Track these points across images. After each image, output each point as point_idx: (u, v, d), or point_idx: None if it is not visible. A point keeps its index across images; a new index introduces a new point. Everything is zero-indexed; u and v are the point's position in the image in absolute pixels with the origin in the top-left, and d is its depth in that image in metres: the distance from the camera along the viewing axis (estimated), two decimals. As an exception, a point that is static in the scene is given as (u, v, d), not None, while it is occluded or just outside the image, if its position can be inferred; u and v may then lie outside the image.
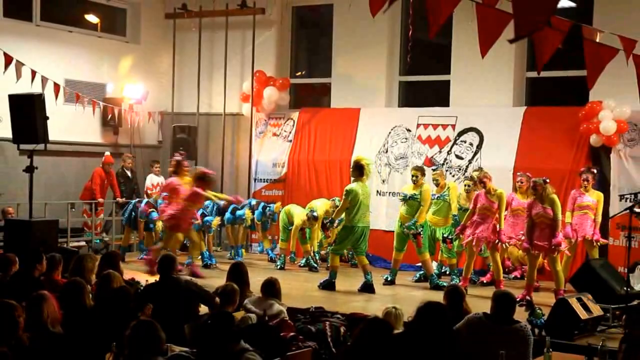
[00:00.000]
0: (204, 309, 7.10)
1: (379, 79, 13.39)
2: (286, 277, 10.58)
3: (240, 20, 14.36)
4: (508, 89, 12.19)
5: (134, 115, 14.40)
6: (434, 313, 5.19)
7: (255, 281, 7.72)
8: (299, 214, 12.01)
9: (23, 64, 11.35)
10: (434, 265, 10.87)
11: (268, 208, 12.58)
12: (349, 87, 13.66)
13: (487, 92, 12.24)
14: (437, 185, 10.95)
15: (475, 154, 11.96)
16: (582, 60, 5.47)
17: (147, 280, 8.14)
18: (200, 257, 11.90)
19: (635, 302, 8.34)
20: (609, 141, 10.91)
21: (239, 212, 12.20)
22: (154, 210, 12.42)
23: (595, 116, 10.94)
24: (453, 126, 12.29)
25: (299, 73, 14.91)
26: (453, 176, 11.93)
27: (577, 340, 7.47)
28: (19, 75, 11.29)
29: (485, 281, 10.79)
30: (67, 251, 10.40)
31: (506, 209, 10.17)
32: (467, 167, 11.90)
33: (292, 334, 6.42)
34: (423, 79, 13.55)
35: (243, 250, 12.89)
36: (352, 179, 10.42)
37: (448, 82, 12.81)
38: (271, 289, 7.01)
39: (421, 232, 10.52)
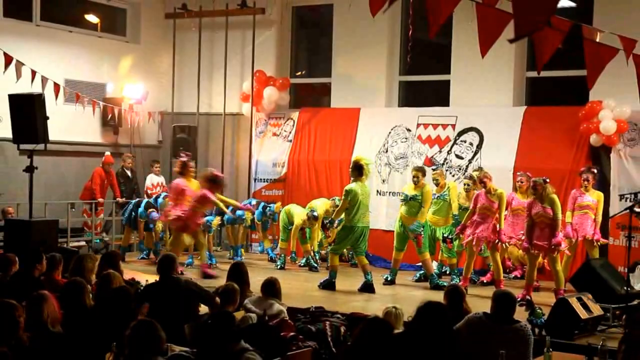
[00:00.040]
0: (204, 309, 7.11)
1: (379, 79, 13.39)
2: (286, 277, 10.58)
3: (240, 20, 14.36)
4: (508, 88, 12.19)
5: (134, 115, 14.39)
6: (434, 313, 5.19)
7: (256, 281, 7.72)
8: (299, 214, 12.01)
9: (23, 64, 11.35)
10: (434, 265, 10.87)
11: (268, 208, 12.58)
12: (349, 87, 13.66)
13: (487, 92, 12.24)
14: (437, 185, 10.95)
15: (476, 153, 11.96)
16: (582, 60, 5.47)
17: (147, 280, 8.14)
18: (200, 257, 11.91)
19: (635, 302, 8.35)
20: (609, 141, 10.91)
21: (239, 212, 12.20)
22: (154, 210, 12.43)
23: (595, 116, 10.94)
24: (453, 126, 12.29)
25: (299, 73, 14.91)
26: (453, 176, 11.93)
27: (577, 340, 7.47)
28: (19, 75, 11.29)
29: (485, 281, 10.79)
30: (67, 251, 10.40)
31: (506, 209, 10.18)
32: (467, 166, 11.90)
33: (292, 333, 6.42)
34: (423, 79, 13.55)
35: (242, 250, 12.88)
36: (352, 179, 10.41)
37: (448, 82, 12.81)
38: (271, 288, 7.02)
39: (422, 233, 10.54)
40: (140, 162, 14.75)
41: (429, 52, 13.16)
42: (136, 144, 14.81)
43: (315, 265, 11.88)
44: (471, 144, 12.06)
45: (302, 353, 6.11)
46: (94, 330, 5.50)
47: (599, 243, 10.19)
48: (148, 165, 14.45)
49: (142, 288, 7.62)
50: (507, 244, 10.25)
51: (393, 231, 10.99)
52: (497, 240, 10.00)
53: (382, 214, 12.37)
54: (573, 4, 12.09)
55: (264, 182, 14.09)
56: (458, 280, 10.31)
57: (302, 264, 12.19)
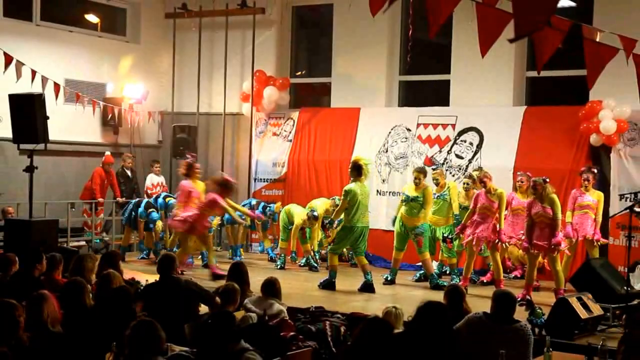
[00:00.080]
0: (204, 309, 7.11)
1: (379, 79, 13.39)
2: (286, 276, 10.59)
3: (240, 20, 14.36)
4: (508, 88, 12.19)
5: (134, 115, 14.39)
6: (434, 313, 5.19)
7: (256, 281, 7.72)
8: (299, 214, 12.02)
9: (23, 64, 11.35)
10: (434, 265, 10.87)
11: (268, 208, 12.58)
12: (349, 86, 13.66)
13: (487, 92, 12.24)
14: (437, 184, 10.95)
15: (476, 153, 11.96)
16: (582, 59, 5.47)
17: (147, 280, 8.14)
18: (200, 256, 11.93)
19: (635, 302, 8.35)
20: (609, 141, 10.92)
21: (238, 212, 12.20)
22: (153, 210, 12.43)
23: (595, 116, 10.94)
24: (453, 126, 12.29)
25: (299, 73, 14.90)
26: (453, 176, 11.93)
27: (577, 339, 7.47)
28: (19, 75, 11.29)
29: (485, 281, 10.79)
30: (67, 251, 10.40)
31: (506, 209, 10.18)
32: (467, 166, 11.90)
33: (292, 333, 6.43)
34: (423, 79, 13.55)
35: (241, 250, 12.88)
36: (351, 179, 10.41)
37: (448, 81, 12.81)
38: (271, 288, 7.02)
39: (422, 233, 10.56)
40: (140, 162, 14.75)
41: (429, 52, 13.16)
42: (136, 143, 14.81)
43: (315, 265, 11.88)
44: (471, 143, 12.06)
45: (302, 353, 6.11)
46: (94, 330, 5.50)
47: (599, 243, 10.19)
48: (148, 165, 14.45)
49: (142, 288, 7.62)
50: (507, 243, 10.25)
51: (393, 231, 10.99)
52: (497, 240, 10.00)
53: (382, 214, 12.36)
54: (573, 4, 12.09)
55: (264, 182, 14.09)
56: (458, 280, 10.31)
57: (302, 264, 12.19)
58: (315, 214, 11.78)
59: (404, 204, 10.60)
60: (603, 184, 10.79)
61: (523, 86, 12.33)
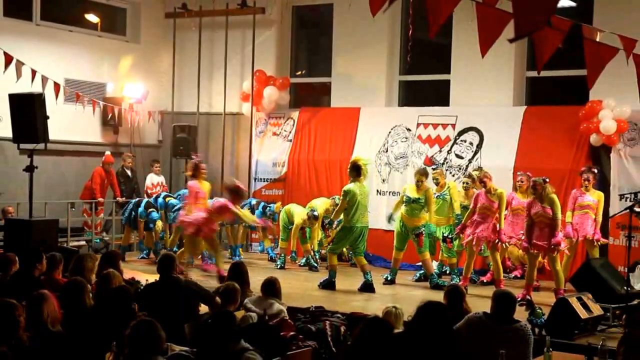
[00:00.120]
0: (204, 309, 7.11)
1: (379, 79, 13.39)
2: (286, 276, 10.59)
3: (240, 20, 14.36)
4: (508, 88, 12.19)
5: (134, 115, 14.39)
6: (434, 312, 5.18)
7: (256, 281, 7.72)
8: (299, 213, 12.02)
9: (23, 64, 11.35)
10: (434, 265, 10.87)
11: (268, 208, 12.58)
12: (349, 86, 13.66)
13: (487, 92, 12.24)
14: (437, 184, 10.96)
15: (476, 153, 11.96)
16: (582, 59, 5.48)
17: (147, 280, 8.14)
18: (200, 256, 11.92)
19: (635, 302, 8.35)
20: (609, 140, 10.92)
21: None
22: (153, 210, 12.42)
23: (596, 115, 10.94)
24: (453, 125, 12.29)
25: (299, 72, 14.90)
26: (453, 175, 11.93)
27: (577, 339, 7.47)
28: (19, 74, 11.29)
29: (485, 280, 10.79)
30: (67, 251, 10.40)
31: (506, 209, 10.18)
32: (467, 166, 11.90)
33: (292, 333, 6.43)
34: (423, 79, 13.55)
35: (240, 250, 12.87)
36: (350, 179, 10.41)
37: (448, 81, 12.81)
38: (271, 288, 7.02)
39: (423, 232, 10.57)
40: (140, 161, 14.75)
41: (429, 52, 13.16)
42: (136, 143, 14.81)
43: (315, 264, 11.88)
44: (471, 143, 12.06)
45: (302, 353, 6.11)
46: (94, 329, 5.50)
47: (599, 243, 10.19)
48: (148, 165, 14.45)
49: (142, 287, 7.62)
50: (507, 243, 10.25)
51: (393, 231, 10.99)
52: (497, 240, 10.00)
53: (382, 214, 12.33)
54: (573, 4, 12.09)
55: (264, 181, 14.09)
56: (458, 280, 10.31)
57: (302, 264, 12.19)
58: (316, 213, 11.78)
59: (405, 204, 10.60)
60: (603, 184, 10.79)
61: (523, 86, 12.33)
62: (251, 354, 5.00)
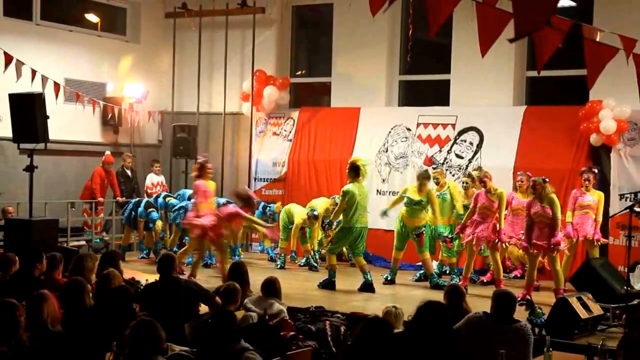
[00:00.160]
0: (204, 309, 7.11)
1: (379, 79, 13.39)
2: (286, 276, 10.59)
3: (240, 20, 14.36)
4: (508, 88, 12.19)
5: (134, 115, 14.39)
6: (434, 312, 5.18)
7: (256, 280, 7.72)
8: (299, 213, 12.02)
9: (23, 63, 11.35)
10: (434, 265, 10.87)
11: (268, 208, 12.58)
12: (349, 86, 13.66)
13: (487, 92, 12.24)
14: (437, 184, 10.95)
15: (476, 153, 11.96)
16: (582, 59, 5.47)
17: (147, 280, 8.14)
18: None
19: (635, 301, 8.35)
20: (609, 140, 10.92)
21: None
22: (153, 209, 12.42)
23: (596, 115, 10.94)
24: (453, 125, 12.29)
25: (299, 72, 14.90)
26: (453, 175, 11.94)
27: (577, 339, 7.47)
28: (19, 74, 11.29)
29: (485, 280, 10.79)
30: (67, 250, 10.41)
31: (506, 208, 10.18)
32: (467, 166, 11.90)
33: (292, 333, 6.43)
34: (423, 78, 13.55)
35: (240, 249, 12.87)
36: (349, 180, 10.41)
37: (448, 81, 12.81)
38: (271, 288, 7.02)
39: (424, 232, 10.57)
40: (140, 161, 14.75)
41: (429, 52, 13.16)
42: (136, 143, 14.81)
43: (315, 264, 11.88)
44: (471, 143, 12.06)
45: (302, 352, 6.11)
46: (94, 329, 5.50)
47: (599, 243, 10.19)
48: (148, 165, 14.45)
49: (142, 287, 7.62)
50: (507, 243, 10.25)
51: (393, 231, 11.00)
52: (497, 240, 10.00)
53: (382, 214, 12.36)
54: (573, 4, 12.09)
55: (264, 181, 14.10)
56: (458, 280, 10.31)
57: (302, 264, 12.19)
58: (316, 213, 11.78)
59: (406, 206, 10.59)
60: (603, 184, 10.79)
61: (523, 86, 12.33)
62: (251, 354, 5.00)
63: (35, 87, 11.51)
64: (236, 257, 12.28)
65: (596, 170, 10.41)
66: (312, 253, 12.05)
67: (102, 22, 14.95)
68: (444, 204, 10.88)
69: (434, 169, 11.39)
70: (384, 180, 12.74)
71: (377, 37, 13.17)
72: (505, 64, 11.94)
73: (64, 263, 7.67)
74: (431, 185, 10.88)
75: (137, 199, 12.97)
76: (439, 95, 12.95)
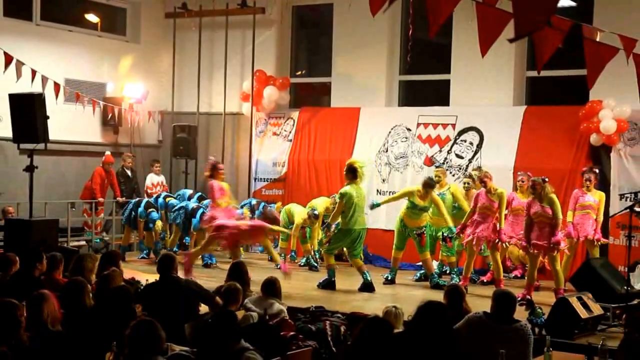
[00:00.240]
0: (204, 308, 7.11)
1: (379, 79, 13.39)
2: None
3: (240, 20, 14.37)
4: (508, 88, 12.19)
5: (134, 115, 14.40)
6: (434, 312, 5.19)
7: (256, 280, 7.72)
8: (299, 213, 12.02)
9: (23, 64, 11.35)
10: (434, 265, 10.87)
11: (269, 207, 12.56)
12: (349, 86, 13.66)
13: (487, 92, 12.24)
14: (437, 182, 10.94)
15: (476, 153, 11.96)
16: (582, 59, 5.48)
17: (147, 280, 8.14)
18: (200, 256, 11.93)
19: (635, 301, 8.36)
20: (609, 140, 10.92)
21: (238, 212, 12.18)
22: (153, 209, 12.42)
23: (596, 115, 10.95)
24: (453, 125, 12.29)
25: (299, 72, 14.91)
26: (453, 175, 11.94)
27: (577, 339, 7.47)
28: (19, 74, 11.29)
29: (485, 280, 10.79)
30: (68, 250, 10.41)
31: (507, 209, 10.17)
32: (467, 166, 11.90)
33: (292, 333, 6.43)
34: (423, 78, 13.55)
35: (241, 249, 12.84)
36: (346, 181, 10.41)
37: (448, 81, 12.81)
38: (271, 288, 7.02)
39: (424, 232, 10.58)
40: (141, 161, 14.75)
41: (429, 52, 13.16)
42: (136, 143, 14.81)
43: (316, 264, 11.88)
44: (471, 143, 12.06)
45: (302, 352, 6.11)
46: (94, 329, 5.50)
47: (599, 243, 10.19)
48: (148, 165, 14.45)
49: (142, 287, 7.62)
50: (507, 243, 10.25)
51: (393, 230, 10.99)
52: (497, 240, 10.00)
53: (382, 214, 12.33)
54: (573, 4, 12.09)
55: (264, 181, 14.10)
56: (458, 280, 10.31)
57: (302, 264, 12.20)
58: (316, 212, 11.78)
59: (408, 209, 10.59)
60: (603, 184, 10.79)
61: (523, 86, 12.33)
62: (251, 354, 5.00)
63: (35, 87, 11.52)
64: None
65: (597, 171, 10.41)
66: (312, 253, 12.05)
67: (102, 22, 14.96)
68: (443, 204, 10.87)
69: (436, 167, 11.40)
70: (384, 180, 12.74)
71: (377, 37, 13.17)
72: (505, 64, 11.94)
73: (64, 263, 7.67)
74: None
75: (137, 199, 12.97)
76: (439, 95, 12.95)
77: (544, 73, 11.14)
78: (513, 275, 11.18)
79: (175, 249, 12.38)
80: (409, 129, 12.66)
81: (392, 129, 12.82)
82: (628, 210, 9.15)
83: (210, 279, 10.18)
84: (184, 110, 15.09)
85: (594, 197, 10.21)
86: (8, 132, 11.21)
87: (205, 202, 12.30)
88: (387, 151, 12.78)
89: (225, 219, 10.26)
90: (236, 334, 5.10)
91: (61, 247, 10.84)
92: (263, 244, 10.48)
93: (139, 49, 15.01)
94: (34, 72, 11.59)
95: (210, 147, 14.79)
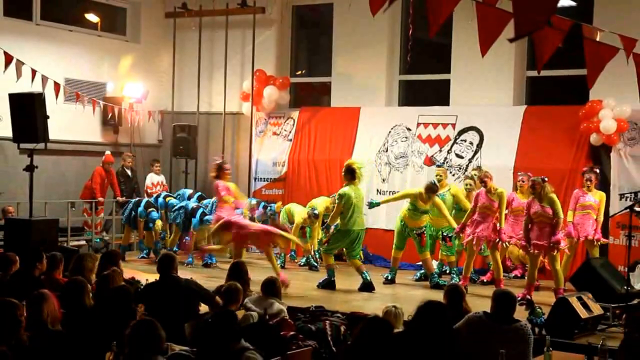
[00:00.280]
0: (204, 308, 7.11)
1: (379, 78, 13.39)
2: (286, 275, 10.58)
3: (240, 20, 14.36)
4: (508, 88, 12.19)
5: (134, 114, 14.40)
6: (434, 312, 5.18)
7: (256, 280, 7.72)
8: (299, 212, 12.02)
9: (23, 63, 11.35)
10: (434, 264, 10.87)
11: (269, 207, 12.57)
12: (349, 86, 13.66)
13: (487, 91, 12.24)
14: (439, 182, 10.93)
15: (476, 153, 11.96)
16: (582, 59, 5.48)
17: (147, 280, 8.14)
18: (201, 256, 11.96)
19: (635, 301, 8.36)
20: (609, 140, 10.92)
21: (237, 211, 12.17)
22: (153, 209, 12.42)
23: (596, 115, 10.94)
24: (453, 125, 12.29)
25: (299, 72, 14.90)
26: (453, 175, 11.93)
27: (577, 339, 7.47)
28: (19, 74, 11.29)
29: (485, 280, 10.79)
30: (68, 250, 10.41)
31: (506, 209, 10.17)
32: (467, 166, 11.90)
33: (292, 333, 6.43)
34: (423, 78, 13.55)
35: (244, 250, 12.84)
36: (345, 182, 10.41)
37: (448, 81, 12.80)
38: (271, 288, 7.02)
39: (424, 232, 10.57)
40: (141, 161, 14.75)
41: (429, 52, 13.16)
42: (136, 143, 14.81)
43: (316, 264, 11.88)
44: (471, 143, 12.06)
45: (302, 352, 6.11)
46: (94, 329, 5.50)
47: (599, 242, 10.19)
48: (148, 165, 14.45)
49: (142, 287, 7.62)
50: (507, 243, 10.24)
51: (393, 230, 10.99)
52: (497, 240, 9.99)
53: (382, 214, 12.34)
54: (573, 4, 12.09)
55: (264, 181, 14.09)
56: (458, 280, 10.31)
57: (302, 263, 12.19)
58: (316, 212, 11.78)
59: (410, 211, 10.59)
60: (603, 184, 10.79)
61: (523, 86, 12.33)
62: (251, 354, 5.00)
63: (35, 87, 11.52)
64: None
65: (598, 171, 10.41)
66: (312, 252, 12.04)
67: (102, 22, 14.95)
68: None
69: (437, 167, 11.39)
70: (384, 180, 12.74)
71: (377, 37, 13.17)
72: (505, 63, 11.94)
73: (64, 263, 7.67)
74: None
75: (137, 198, 12.97)
76: (439, 95, 12.95)
77: (544, 73, 11.15)
78: (513, 275, 11.18)
79: (175, 248, 12.38)
80: (409, 129, 12.66)
81: (392, 128, 12.82)
82: (628, 210, 9.15)
83: (210, 279, 10.19)
84: (184, 110, 15.09)
85: (595, 197, 10.21)
86: (8, 132, 11.21)
87: (205, 202, 12.32)
88: (387, 151, 12.78)
89: (233, 216, 10.28)
90: (236, 333, 5.10)
91: (61, 247, 10.85)
92: (266, 251, 10.43)
93: (139, 48, 15.01)
94: (34, 72, 11.59)
95: (210, 147, 14.79)
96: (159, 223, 12.34)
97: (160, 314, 5.70)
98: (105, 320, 5.58)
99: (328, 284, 10.29)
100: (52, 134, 10.91)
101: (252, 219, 12.39)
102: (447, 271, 11.00)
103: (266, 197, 13.55)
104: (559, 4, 4.24)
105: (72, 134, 13.48)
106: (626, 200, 10.67)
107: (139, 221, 12.45)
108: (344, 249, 10.74)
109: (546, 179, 9.37)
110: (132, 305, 5.94)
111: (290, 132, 13.94)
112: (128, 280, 7.80)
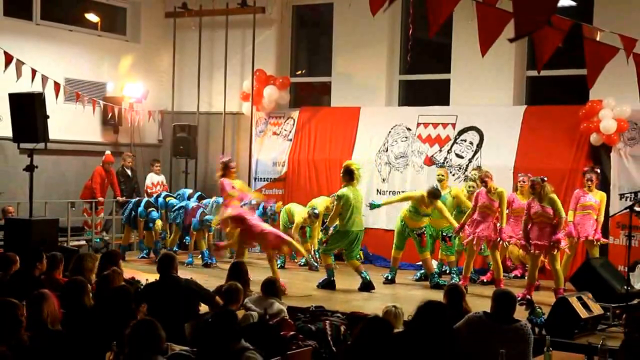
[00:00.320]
0: (204, 308, 7.11)
1: (379, 78, 13.39)
2: (286, 275, 10.60)
3: (240, 19, 14.36)
4: (508, 87, 12.19)
5: (134, 114, 14.40)
6: (434, 312, 5.18)
7: (256, 280, 7.72)
8: (299, 212, 12.02)
9: (23, 63, 11.35)
10: (434, 264, 10.86)
11: (269, 207, 12.56)
12: (349, 86, 13.66)
13: (487, 91, 12.24)
14: (439, 182, 10.93)
15: (476, 153, 11.96)
16: (582, 59, 5.48)
17: (147, 279, 8.14)
18: (200, 256, 11.95)
19: (635, 301, 8.36)
20: (609, 140, 10.92)
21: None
22: (153, 209, 12.42)
23: (596, 115, 10.94)
24: (453, 125, 12.29)
25: (299, 72, 14.90)
26: (453, 175, 11.93)
27: (577, 339, 7.47)
28: (19, 74, 11.29)
29: (485, 280, 10.78)
30: (68, 250, 10.41)
31: (507, 209, 10.16)
32: (467, 166, 11.90)
33: (292, 332, 6.43)
34: (423, 78, 13.55)
35: (246, 250, 12.82)
36: (343, 183, 10.41)
37: (448, 81, 12.80)
38: (271, 288, 7.02)
39: (425, 232, 10.57)
40: (141, 161, 14.75)
41: (429, 51, 13.17)
42: (136, 143, 14.82)
43: (316, 264, 11.87)
44: (471, 143, 12.06)
45: (302, 352, 6.11)
46: (94, 329, 5.50)
47: (599, 242, 10.19)
48: (148, 164, 14.45)
49: (142, 287, 7.62)
50: (507, 242, 10.24)
51: (393, 230, 10.99)
52: (498, 239, 9.99)
53: (382, 214, 12.34)
54: (573, 4, 12.09)
55: (264, 181, 14.09)
56: (458, 279, 10.31)
57: (302, 263, 12.19)
58: (316, 211, 11.78)
59: (411, 212, 10.59)
60: (603, 184, 10.78)
61: (523, 85, 12.33)
62: (251, 354, 5.00)
63: (35, 87, 11.51)
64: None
65: (598, 171, 10.41)
66: (312, 253, 12.04)
67: (102, 22, 14.95)
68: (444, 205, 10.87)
69: (439, 167, 11.38)
70: (384, 180, 12.74)
71: (377, 37, 13.17)
72: (505, 63, 11.94)
73: (64, 263, 7.67)
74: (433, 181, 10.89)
75: (137, 198, 12.97)
76: (439, 95, 12.95)
77: (544, 73, 11.15)
78: (513, 275, 11.17)
79: (175, 248, 12.38)
80: (409, 129, 12.66)
81: (392, 128, 12.82)
82: (628, 210, 9.15)
83: (210, 279, 10.19)
84: (184, 109, 15.09)
85: (595, 197, 10.20)
86: (8, 132, 11.22)
87: (205, 201, 12.32)
88: (387, 151, 12.78)
89: (248, 215, 10.24)
90: (236, 333, 5.11)
91: (61, 247, 10.85)
92: (268, 253, 10.43)
93: (139, 48, 15.01)
94: (34, 72, 11.59)
95: (210, 146, 14.79)
96: (159, 223, 12.34)
97: (160, 314, 5.70)
98: (105, 320, 5.58)
99: (328, 284, 10.29)
100: (52, 134, 10.91)
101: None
102: (447, 271, 11.00)
103: (266, 197, 13.53)
104: (559, 4, 4.24)
105: (72, 133, 13.48)
106: (626, 200, 10.67)
107: (139, 221, 12.45)
108: (343, 250, 10.74)
109: (545, 179, 9.37)
110: (132, 305, 5.94)
111: (290, 132, 13.94)
112: (128, 280, 7.80)
